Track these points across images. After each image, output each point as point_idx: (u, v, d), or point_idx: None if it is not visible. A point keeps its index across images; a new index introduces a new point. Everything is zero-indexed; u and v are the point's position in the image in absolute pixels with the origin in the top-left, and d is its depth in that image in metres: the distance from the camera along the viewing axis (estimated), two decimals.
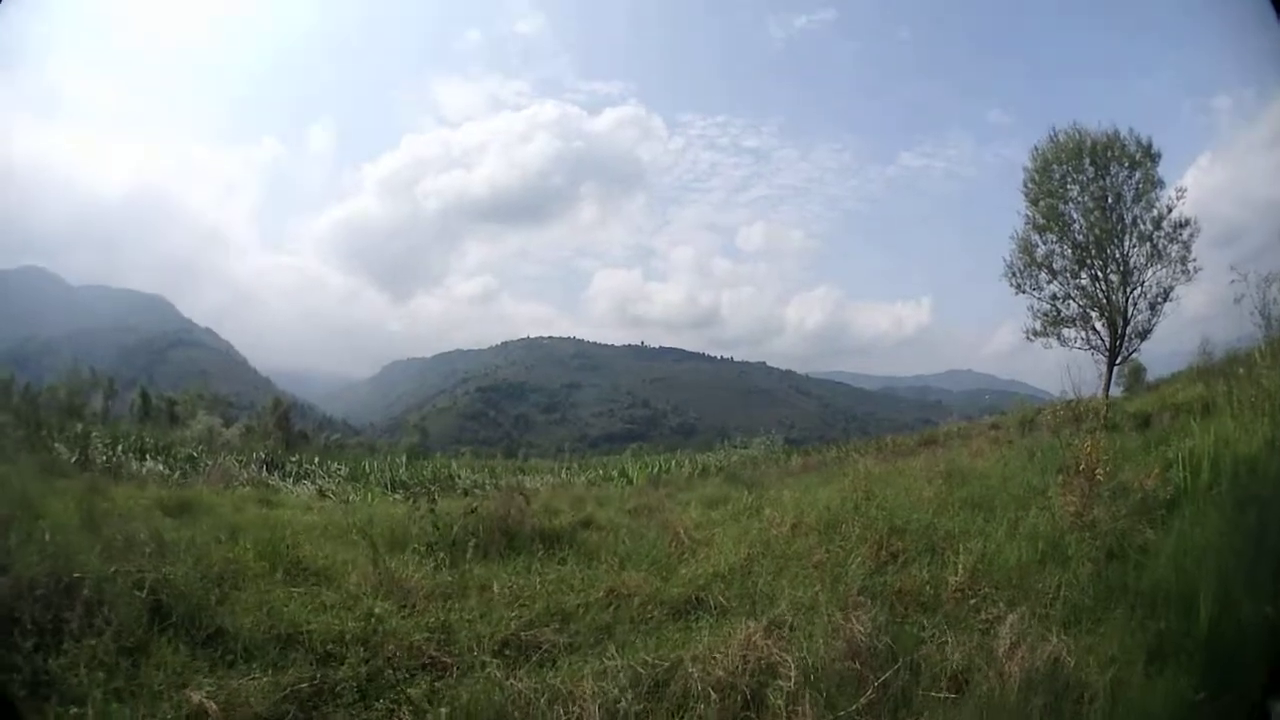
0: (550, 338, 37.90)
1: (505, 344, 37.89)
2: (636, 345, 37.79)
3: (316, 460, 21.21)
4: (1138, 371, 18.24)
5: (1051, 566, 7.56)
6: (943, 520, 9.34)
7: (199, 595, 6.69)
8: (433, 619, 6.86)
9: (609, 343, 37.76)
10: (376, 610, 6.80)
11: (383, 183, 36.13)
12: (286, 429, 29.09)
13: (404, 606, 7.11)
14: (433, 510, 9.58)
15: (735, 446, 25.53)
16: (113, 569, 6.68)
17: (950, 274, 36.78)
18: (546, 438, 32.06)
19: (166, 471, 16.79)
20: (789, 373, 36.97)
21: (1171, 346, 17.03)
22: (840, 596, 7.13)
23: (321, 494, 17.84)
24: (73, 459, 15.06)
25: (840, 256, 39.85)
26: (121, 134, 31.35)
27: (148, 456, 17.57)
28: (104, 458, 15.74)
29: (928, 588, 7.44)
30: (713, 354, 37.67)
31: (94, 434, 17.06)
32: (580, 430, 32.78)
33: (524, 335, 37.48)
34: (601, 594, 7.69)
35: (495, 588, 7.73)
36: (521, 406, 34.37)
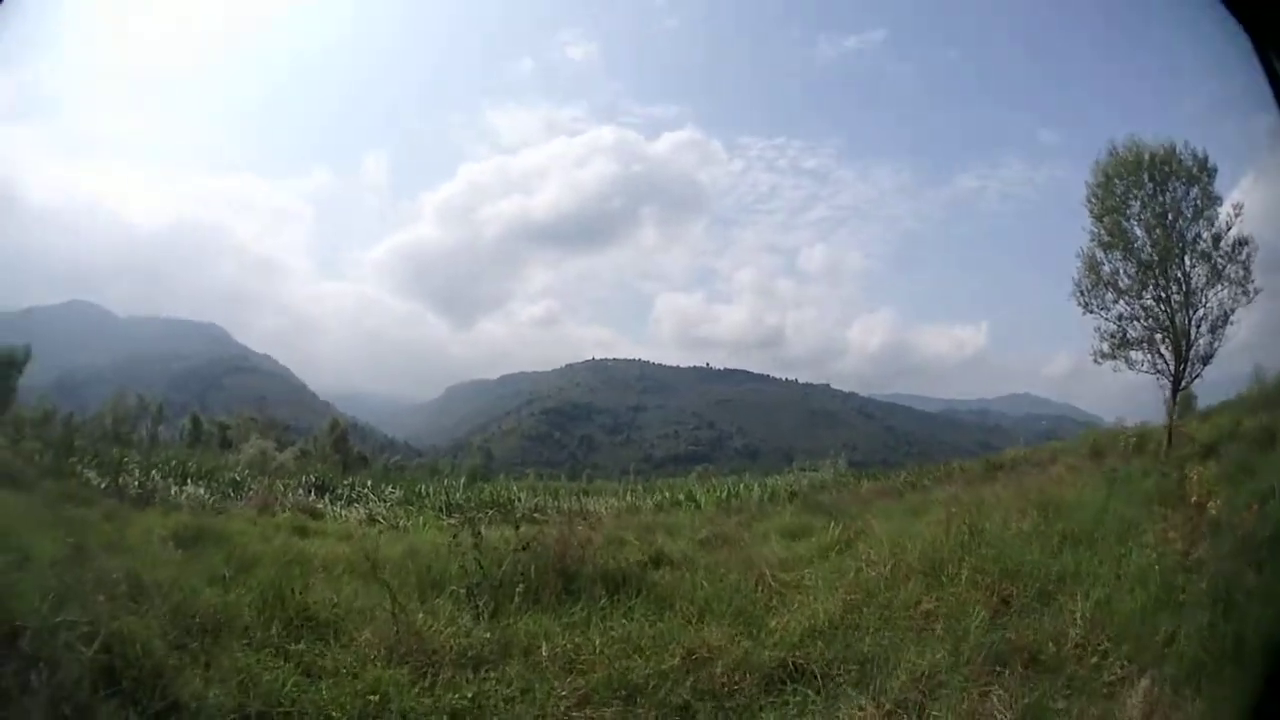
0: (614, 360, 36.98)
1: (569, 366, 37.09)
2: (701, 367, 36.57)
3: (370, 483, 19.94)
4: (1188, 400, 17.22)
5: (1165, 614, 6.37)
6: (1048, 559, 8.06)
7: (158, 656, 5.13)
8: (458, 696, 5.14)
9: (673, 364, 36.33)
10: (385, 682, 5.09)
11: (441, 210, 36.02)
12: (344, 451, 28.15)
13: (424, 676, 5.40)
14: (476, 545, 7.83)
15: (802, 469, 24.12)
16: (59, 618, 5.23)
17: (1006, 297, 35.29)
18: (611, 459, 30.95)
19: (207, 496, 15.73)
20: (852, 395, 35.22)
21: (1214, 373, 16.38)
22: (963, 661, 5.79)
23: (371, 519, 16.54)
24: (103, 485, 14.08)
25: (900, 278, 38.00)
26: (170, 170, 32.02)
27: (189, 481, 16.56)
28: (137, 483, 14.69)
29: (1050, 644, 6.14)
30: (778, 375, 36.07)
31: (127, 459, 16.14)
32: (645, 452, 31.54)
33: (588, 357, 36.54)
34: (677, 660, 5.85)
35: (544, 650, 5.91)
36: (586, 428, 33.46)
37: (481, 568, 7.65)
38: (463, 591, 7.43)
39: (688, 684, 5.64)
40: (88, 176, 27.59)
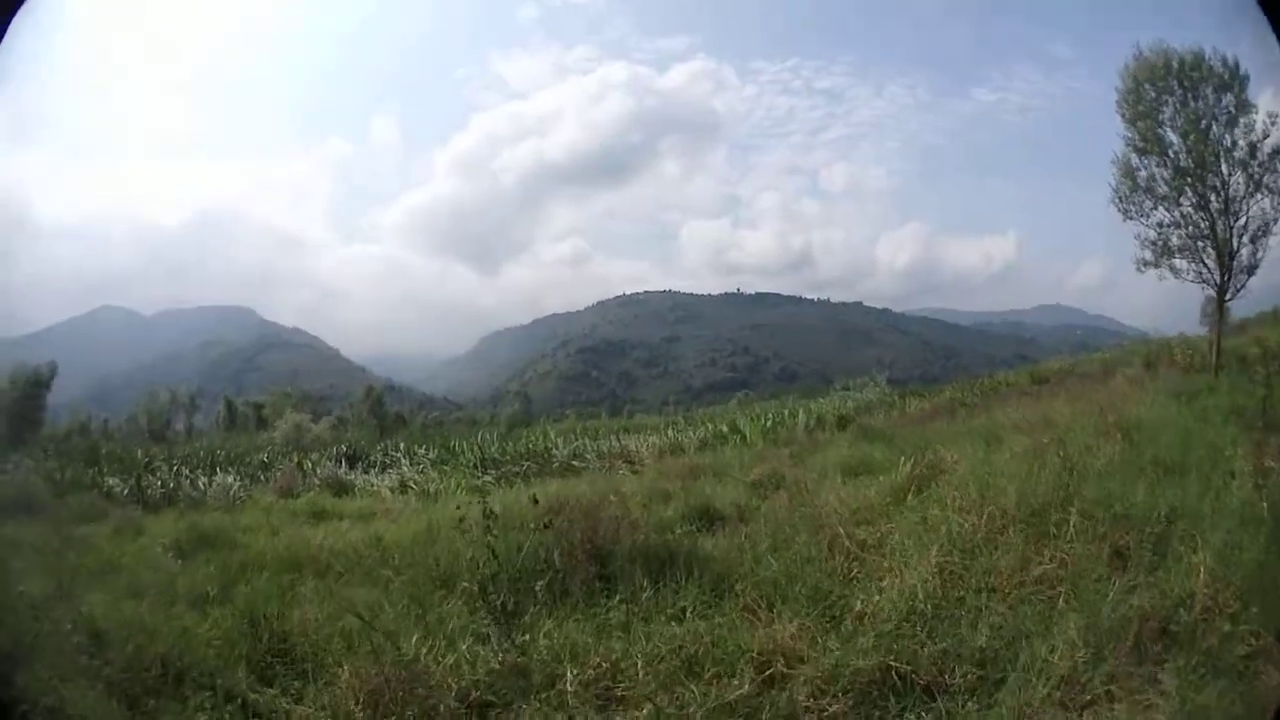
0: (646, 293, 36.44)
1: (601, 303, 36.58)
2: (733, 293, 36.03)
3: (403, 446, 19.27)
4: (1224, 312, 17.05)
5: None
6: (1154, 497, 6.68)
7: None
8: None
9: (705, 293, 35.81)
10: None
11: (457, 162, 34.98)
12: (380, 415, 27.79)
13: None
14: (489, 529, 6.33)
15: (845, 389, 24.14)
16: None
17: (1031, 207, 33.92)
18: (650, 393, 30.77)
19: (235, 484, 15.17)
20: (885, 311, 34.71)
21: (1253, 283, 16.09)
22: (1104, 653, 4.60)
23: (403, 486, 15.85)
24: (125, 492, 13.60)
25: (924, 192, 36.68)
26: (182, 165, 31.52)
27: (218, 470, 16.01)
28: (160, 484, 14.14)
29: (1180, 610, 5.04)
30: (809, 296, 35.46)
31: (152, 460, 15.74)
32: (684, 382, 31.34)
33: (619, 293, 35.96)
34: (746, 685, 4.47)
35: (570, 678, 4.63)
36: (623, 364, 33.27)
37: (496, 557, 6.31)
38: (475, 588, 6.17)
39: (766, 710, 4.29)
40: (100, 185, 27.10)
